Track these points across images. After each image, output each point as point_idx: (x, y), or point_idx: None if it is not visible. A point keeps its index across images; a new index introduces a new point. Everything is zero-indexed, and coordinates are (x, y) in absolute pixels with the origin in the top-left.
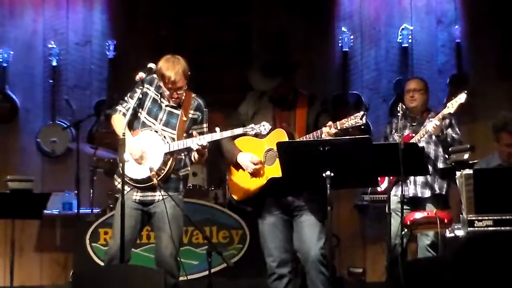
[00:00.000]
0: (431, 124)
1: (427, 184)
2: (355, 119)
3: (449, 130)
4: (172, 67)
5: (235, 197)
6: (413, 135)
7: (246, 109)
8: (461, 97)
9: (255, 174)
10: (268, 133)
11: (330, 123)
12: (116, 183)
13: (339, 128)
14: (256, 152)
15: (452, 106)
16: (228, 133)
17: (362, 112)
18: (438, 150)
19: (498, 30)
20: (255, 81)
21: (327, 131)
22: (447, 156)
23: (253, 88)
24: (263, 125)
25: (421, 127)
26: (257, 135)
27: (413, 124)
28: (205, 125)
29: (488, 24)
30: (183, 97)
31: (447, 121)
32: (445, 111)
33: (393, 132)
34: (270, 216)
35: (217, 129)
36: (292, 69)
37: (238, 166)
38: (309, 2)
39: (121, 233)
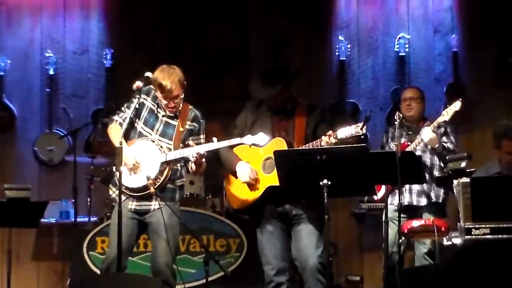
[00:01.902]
0: (426, 134)
1: (423, 192)
2: (356, 129)
3: (444, 138)
4: (168, 76)
5: (233, 206)
6: (409, 143)
7: (244, 119)
8: (456, 105)
9: (252, 183)
10: (267, 142)
11: (330, 132)
12: (111, 192)
13: (339, 137)
14: (254, 161)
15: (447, 114)
16: (225, 143)
17: (362, 122)
18: (434, 158)
19: (494, 39)
20: (255, 89)
21: (327, 140)
22: (442, 165)
23: (253, 96)
24: (260, 136)
25: (417, 135)
26: (254, 145)
27: (409, 133)
28: (202, 136)
29: (485, 33)
30: (180, 108)
31: (442, 129)
32: (440, 119)
33: (389, 141)
34: (268, 225)
35: (215, 139)
36: (292, 76)
37: (236, 175)
38: (306, 11)
39: (118, 241)
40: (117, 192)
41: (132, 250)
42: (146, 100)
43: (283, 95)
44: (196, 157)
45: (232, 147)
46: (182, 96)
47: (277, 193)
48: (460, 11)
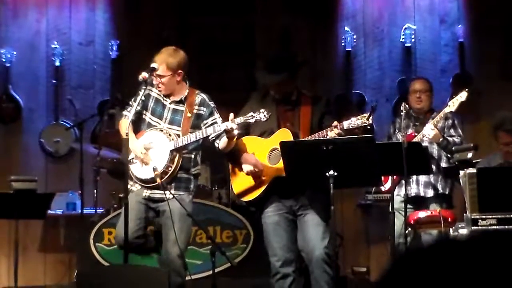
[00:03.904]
0: (427, 131)
1: (430, 183)
2: (362, 119)
3: (451, 131)
4: (159, 55)
5: (239, 197)
6: (416, 134)
7: (250, 110)
8: (462, 95)
9: (258, 173)
10: (272, 133)
11: (335, 123)
12: (128, 186)
13: (345, 128)
14: (260, 151)
15: (453, 105)
16: (240, 119)
17: (368, 113)
18: (440, 150)
19: (501, 29)
20: (260, 76)
21: (333, 131)
22: (449, 156)
23: (258, 81)
24: (262, 112)
25: (424, 127)
26: (257, 123)
27: (416, 124)
28: (216, 115)
29: (491, 23)
30: (187, 92)
31: (450, 121)
32: (446, 109)
33: (396, 132)
34: (274, 215)
35: (231, 115)
36: (297, 66)
37: (241, 166)
38: (312, 2)
39: (124, 234)
40: (134, 184)
41: (146, 227)
42: (151, 90)
43: (288, 83)
44: (229, 129)
45: (240, 135)
46: (169, 78)
47: (283, 184)
48: (466, 1)
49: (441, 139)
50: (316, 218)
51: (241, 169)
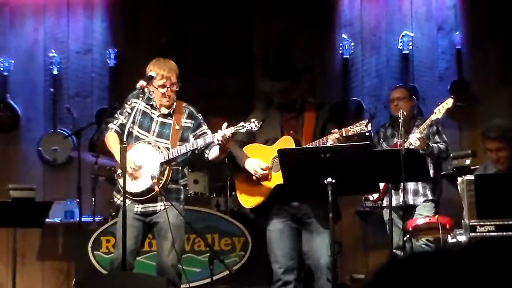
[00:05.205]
0: (413, 139)
1: (418, 191)
2: (360, 126)
3: (436, 138)
4: (163, 64)
5: (243, 205)
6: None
7: (254, 118)
8: (448, 102)
9: (262, 180)
10: (276, 141)
11: (335, 130)
12: (115, 199)
13: (344, 135)
14: (263, 160)
15: (439, 112)
16: (230, 130)
17: (367, 120)
18: (427, 157)
19: (498, 36)
20: (263, 84)
21: (334, 137)
22: (435, 161)
23: (260, 88)
24: (253, 121)
25: (409, 135)
26: (248, 133)
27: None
28: (204, 127)
29: (488, 30)
30: (174, 105)
31: (434, 128)
32: (433, 117)
33: (381, 141)
34: (277, 223)
35: (225, 124)
36: (300, 73)
37: (245, 174)
38: (309, 10)
39: (122, 240)
40: (121, 198)
41: (139, 250)
42: (137, 103)
43: (292, 91)
44: (221, 140)
45: (240, 145)
46: (177, 89)
47: (286, 191)
48: (463, 8)
49: (426, 147)
50: (321, 226)
51: (245, 176)
